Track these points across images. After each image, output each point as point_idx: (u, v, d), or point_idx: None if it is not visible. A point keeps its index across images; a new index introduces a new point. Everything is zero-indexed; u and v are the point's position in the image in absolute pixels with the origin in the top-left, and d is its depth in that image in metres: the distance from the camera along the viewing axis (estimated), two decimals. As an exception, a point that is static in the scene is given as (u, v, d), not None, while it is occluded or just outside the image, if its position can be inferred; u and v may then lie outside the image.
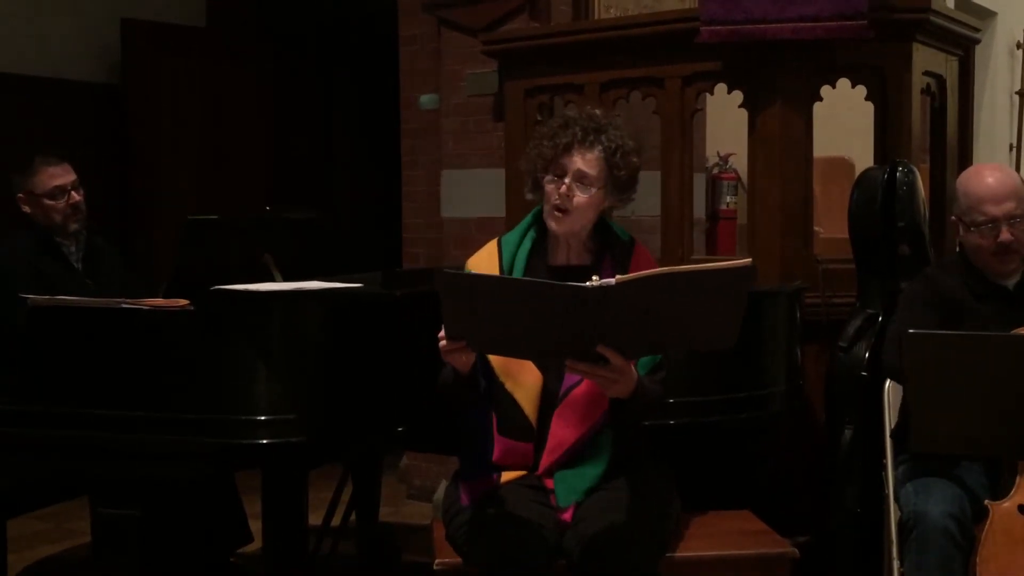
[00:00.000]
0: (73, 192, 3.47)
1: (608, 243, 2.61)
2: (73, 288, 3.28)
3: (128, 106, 6.00)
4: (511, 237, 2.65)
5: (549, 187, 2.53)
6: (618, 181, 2.55)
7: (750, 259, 2.22)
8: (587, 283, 2.15)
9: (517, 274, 2.58)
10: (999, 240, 2.75)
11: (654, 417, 2.58)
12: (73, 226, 3.48)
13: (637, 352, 2.36)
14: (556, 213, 2.53)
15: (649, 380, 2.45)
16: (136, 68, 6.00)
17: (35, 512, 3.64)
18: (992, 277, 2.84)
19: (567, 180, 2.50)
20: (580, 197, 2.51)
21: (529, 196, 2.68)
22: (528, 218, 2.67)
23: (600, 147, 2.51)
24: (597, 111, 2.60)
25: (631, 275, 2.19)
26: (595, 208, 2.55)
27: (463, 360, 2.37)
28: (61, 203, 3.45)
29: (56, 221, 3.45)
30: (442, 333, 2.28)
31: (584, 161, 2.51)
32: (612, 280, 2.14)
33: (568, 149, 2.50)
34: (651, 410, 2.51)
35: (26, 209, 3.47)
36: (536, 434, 2.51)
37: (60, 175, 3.47)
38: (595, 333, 2.20)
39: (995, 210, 2.75)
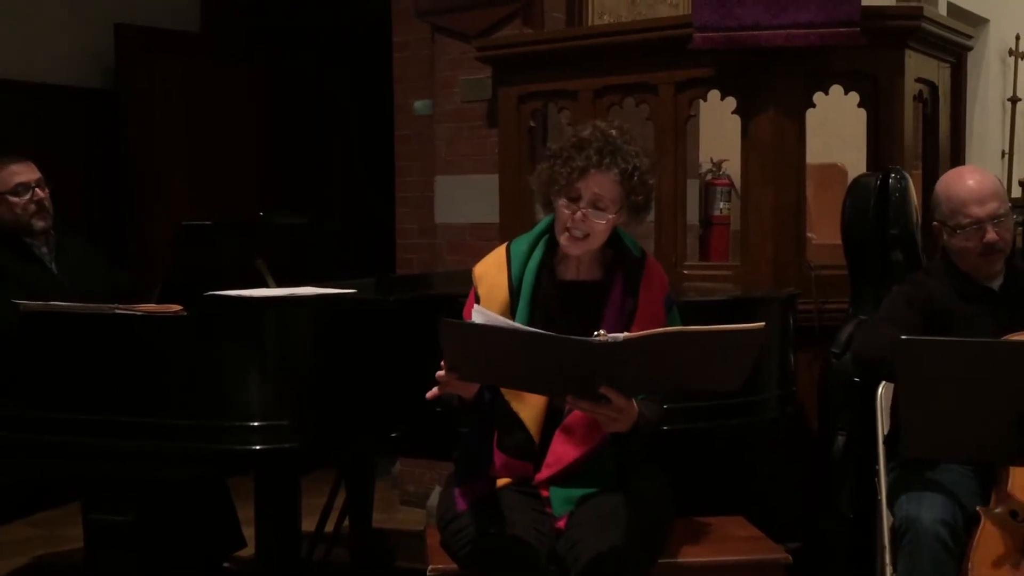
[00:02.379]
0: (37, 189, 3.46)
1: (620, 257, 2.56)
2: (48, 288, 3.26)
3: (122, 111, 5.99)
4: (520, 247, 2.58)
5: (564, 211, 2.46)
6: (634, 204, 2.49)
7: (763, 323, 2.17)
8: (594, 337, 2.14)
9: (526, 288, 2.53)
10: (985, 240, 2.77)
11: (654, 438, 2.56)
12: (39, 224, 3.46)
13: (639, 393, 2.36)
14: (571, 238, 2.48)
15: (647, 404, 2.43)
16: (130, 73, 5.98)
17: (27, 518, 3.63)
18: (978, 279, 2.85)
19: (582, 205, 2.44)
20: (596, 222, 2.45)
21: (540, 215, 2.63)
22: (540, 226, 2.60)
23: (616, 169, 2.43)
24: (612, 131, 2.49)
25: (639, 333, 2.17)
26: (610, 230, 2.50)
27: (467, 388, 2.36)
28: (25, 199, 3.43)
29: (21, 219, 3.43)
30: (442, 362, 2.27)
31: (600, 185, 2.43)
32: (620, 336, 2.13)
33: (583, 173, 2.43)
34: (654, 433, 2.48)
35: None
36: (537, 452, 2.49)
37: (23, 172, 3.46)
38: (599, 378, 2.21)
39: (979, 211, 2.77)
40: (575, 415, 2.44)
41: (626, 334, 2.16)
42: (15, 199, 3.42)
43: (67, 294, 3.22)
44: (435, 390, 2.31)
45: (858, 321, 3.30)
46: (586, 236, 2.46)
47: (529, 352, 2.19)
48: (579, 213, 2.43)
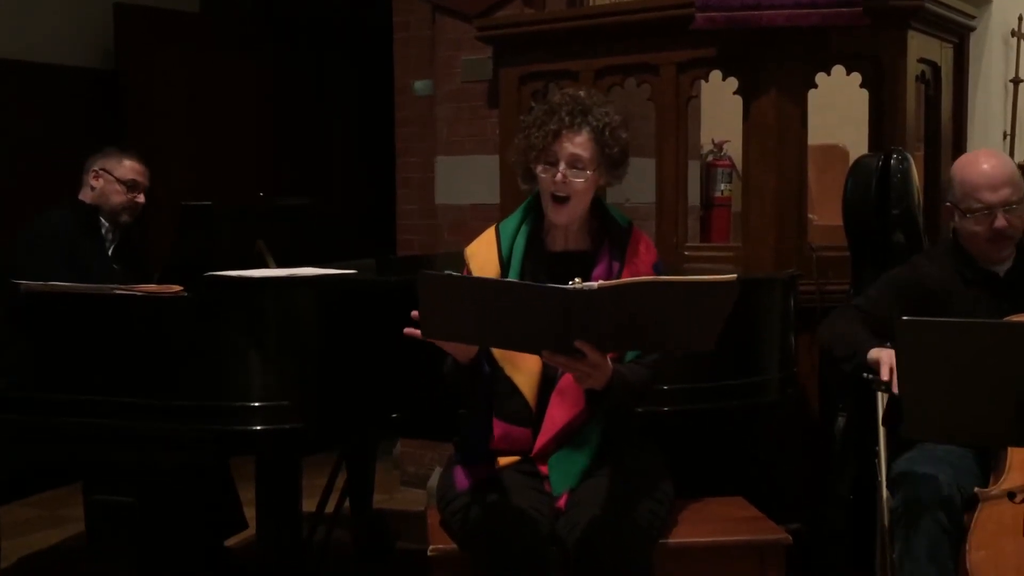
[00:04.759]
0: (142, 194, 3.65)
1: (606, 227, 2.61)
2: (102, 269, 3.44)
3: (122, 92, 5.98)
4: (509, 224, 2.64)
5: (544, 176, 2.52)
6: (611, 159, 2.55)
7: (735, 275, 2.22)
8: (569, 285, 2.16)
9: (516, 261, 2.58)
10: (995, 227, 2.76)
11: (639, 401, 2.59)
12: (124, 217, 3.63)
13: (614, 348, 2.38)
14: (556, 204, 2.53)
15: (631, 367, 2.47)
16: (130, 54, 5.97)
17: (27, 499, 3.64)
18: (982, 263, 2.84)
19: (561, 167, 2.50)
20: (577, 182, 2.51)
21: (524, 187, 2.67)
22: (524, 205, 2.66)
23: (588, 128, 2.51)
24: (581, 92, 2.58)
25: (614, 281, 2.20)
26: (592, 190, 2.56)
27: (464, 351, 2.40)
28: (130, 195, 3.61)
29: (115, 206, 3.60)
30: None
31: (574, 145, 2.50)
32: (594, 284, 2.15)
33: (557, 136, 2.50)
34: (634, 396, 2.51)
35: (93, 184, 3.60)
36: (534, 418, 2.51)
37: (142, 174, 3.65)
38: (574, 330, 2.22)
39: (992, 197, 2.75)
40: (568, 378, 2.46)
41: (601, 282, 2.18)
42: (121, 188, 3.60)
43: (118, 279, 3.31)
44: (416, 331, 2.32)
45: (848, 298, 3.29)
46: (568, 199, 2.51)
47: (506, 303, 2.21)
48: (559, 176, 2.49)
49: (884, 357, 2.63)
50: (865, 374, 2.72)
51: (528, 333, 2.26)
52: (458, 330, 2.32)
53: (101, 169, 3.60)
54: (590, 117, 2.51)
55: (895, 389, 2.53)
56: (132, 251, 3.71)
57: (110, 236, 3.64)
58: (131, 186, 3.60)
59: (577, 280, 2.19)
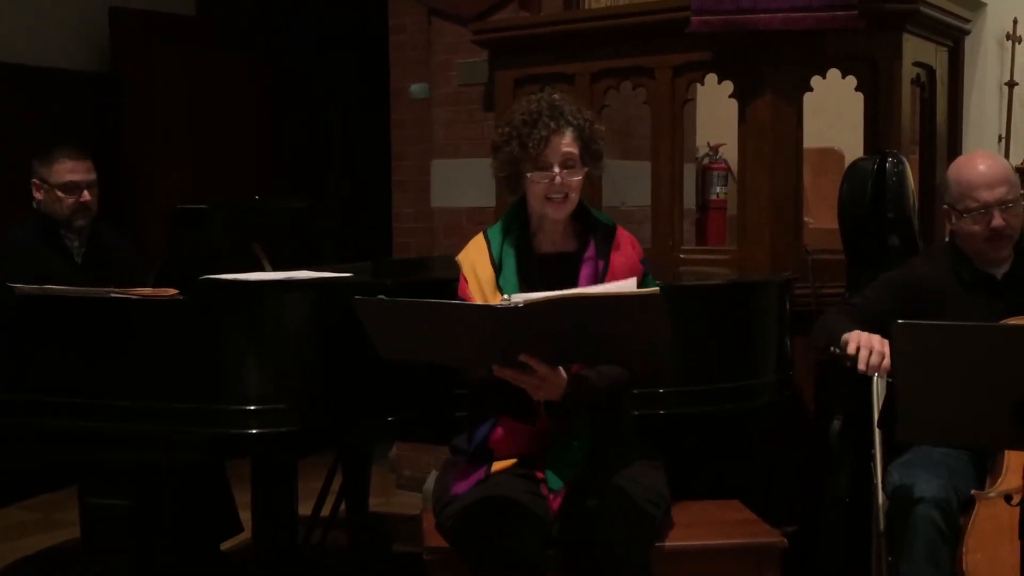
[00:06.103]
0: (86, 191, 3.44)
1: (591, 228, 2.65)
2: (67, 279, 3.22)
3: (119, 95, 5.97)
4: (496, 230, 2.67)
5: (541, 183, 2.55)
6: (594, 153, 2.62)
7: (658, 288, 2.29)
8: (498, 304, 2.23)
9: (508, 265, 2.59)
10: (992, 226, 2.76)
11: (616, 400, 2.60)
12: (79, 222, 3.45)
13: (562, 362, 2.40)
14: (553, 201, 2.56)
15: (604, 367, 2.49)
16: (126, 57, 5.96)
17: (22, 502, 3.63)
18: (980, 265, 2.84)
19: (556, 170, 2.54)
20: (572, 180, 2.56)
21: (510, 199, 2.71)
22: (508, 211, 2.70)
23: (571, 127, 2.57)
24: (554, 95, 2.63)
25: (539, 296, 2.23)
26: (581, 186, 2.62)
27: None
28: (71, 199, 3.41)
29: (62, 215, 3.42)
30: None
31: (564, 145, 2.55)
32: (520, 301, 2.20)
33: (546, 142, 2.54)
34: (604, 398, 2.52)
35: (37, 196, 3.44)
36: (535, 409, 2.52)
37: (78, 171, 3.44)
38: (516, 345, 2.27)
39: (988, 195, 2.76)
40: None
41: (526, 297, 2.22)
42: (62, 195, 3.40)
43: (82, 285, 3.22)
44: None
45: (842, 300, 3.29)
46: (566, 197, 2.57)
47: (442, 323, 2.27)
48: (557, 179, 2.54)
49: (853, 336, 2.64)
50: (832, 348, 2.71)
51: (473, 349, 2.31)
52: (409, 350, 2.38)
53: (38, 179, 3.40)
54: (568, 116, 2.57)
55: (861, 366, 2.57)
56: (106, 253, 3.54)
57: (76, 243, 3.46)
58: (68, 189, 3.38)
59: (506, 297, 2.26)
